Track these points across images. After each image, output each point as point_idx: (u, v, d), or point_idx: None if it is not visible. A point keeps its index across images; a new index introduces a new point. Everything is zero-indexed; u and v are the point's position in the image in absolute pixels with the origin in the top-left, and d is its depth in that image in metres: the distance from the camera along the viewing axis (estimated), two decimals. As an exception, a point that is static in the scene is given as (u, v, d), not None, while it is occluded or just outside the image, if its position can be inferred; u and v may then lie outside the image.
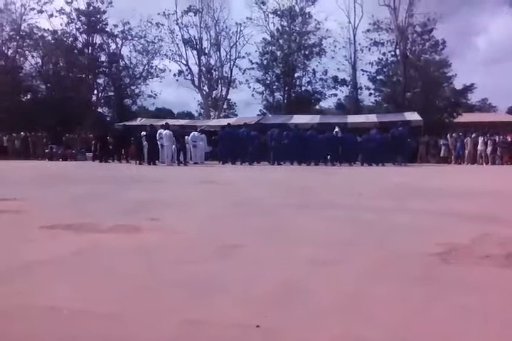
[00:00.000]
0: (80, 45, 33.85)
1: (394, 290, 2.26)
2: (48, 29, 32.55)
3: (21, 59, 32.80)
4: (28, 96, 32.76)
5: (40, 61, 32.99)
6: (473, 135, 21.09)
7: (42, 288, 2.27)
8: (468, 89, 32.98)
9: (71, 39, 33.49)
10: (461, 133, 21.94)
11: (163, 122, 21.67)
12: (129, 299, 2.12)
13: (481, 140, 20.47)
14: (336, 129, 19.21)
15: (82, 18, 33.23)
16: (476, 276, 2.50)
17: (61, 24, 33.01)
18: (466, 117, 29.94)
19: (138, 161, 18.23)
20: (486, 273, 2.56)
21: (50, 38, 32.73)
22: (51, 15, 32.49)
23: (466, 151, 20.84)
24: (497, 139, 20.25)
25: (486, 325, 1.84)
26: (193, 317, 1.89)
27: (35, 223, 3.91)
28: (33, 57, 32.76)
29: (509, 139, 20.24)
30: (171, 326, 1.81)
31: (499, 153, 20.17)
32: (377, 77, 32.84)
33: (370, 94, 33.74)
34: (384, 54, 32.20)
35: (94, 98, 34.73)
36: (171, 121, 24.39)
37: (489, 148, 20.14)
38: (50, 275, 2.50)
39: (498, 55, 61.82)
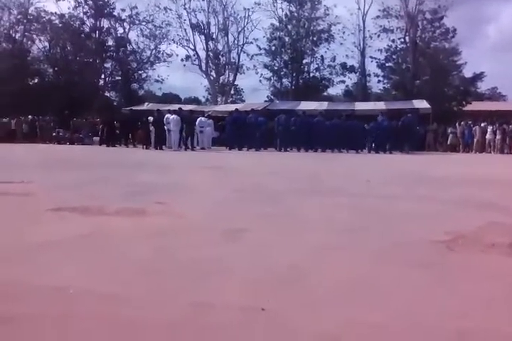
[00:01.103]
0: (87, 29, 33.71)
1: (399, 277, 2.26)
2: (56, 13, 32.46)
3: (29, 43, 32.81)
4: (36, 80, 32.82)
5: (48, 45, 32.96)
6: (483, 124, 20.93)
7: (49, 268, 2.29)
8: (478, 77, 32.65)
9: (78, 23, 33.33)
10: (470, 122, 21.77)
11: (170, 107, 21.64)
12: (135, 281, 2.13)
13: (490, 129, 20.32)
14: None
15: (90, 2, 33.01)
16: (481, 264, 2.50)
17: (68, 8, 32.88)
18: (475, 106, 29.66)
19: (145, 146, 18.23)
20: (491, 262, 2.55)
21: (57, 21, 32.63)
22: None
23: (475, 140, 20.70)
24: (506, 128, 20.08)
25: (490, 310, 1.84)
26: (199, 299, 1.90)
27: (43, 205, 3.93)
28: (40, 40, 32.79)
29: (518, 128, 20.07)
30: (177, 308, 1.82)
31: (508, 142, 20.03)
32: (386, 64, 32.50)
33: (379, 81, 33.44)
34: (393, 41, 31.86)
35: (101, 82, 34.69)
36: (178, 106, 24.34)
37: (498, 137, 19.99)
38: (58, 256, 2.52)
39: (509, 44, 60.95)
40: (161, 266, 2.37)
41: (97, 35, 33.83)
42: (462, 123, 21.65)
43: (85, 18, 33.48)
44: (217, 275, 2.21)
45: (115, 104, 33.45)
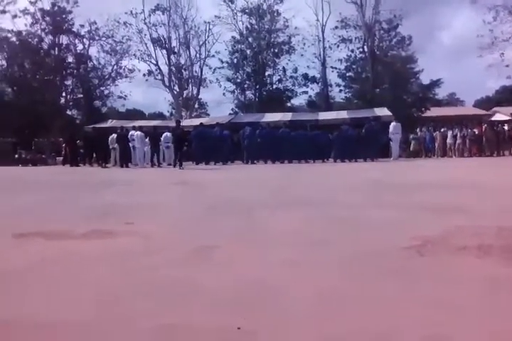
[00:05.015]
0: (46, 46, 33.15)
1: (370, 286, 2.27)
2: (12, 30, 31.81)
3: (-16, 62, 32.02)
4: (-7, 100, 32.01)
5: (5, 63, 32.26)
6: (443, 129, 21.51)
7: (12, 298, 2.21)
8: (436, 83, 33.60)
9: (36, 40, 32.72)
10: (430, 127, 22.34)
11: (134, 123, 21.44)
12: (102, 306, 2.07)
13: (450, 133, 20.89)
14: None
15: (47, 19, 32.48)
16: (453, 268, 2.55)
17: (25, 25, 32.29)
18: (434, 111, 30.51)
19: (104, 163, 17.82)
20: (463, 264, 2.60)
21: (14, 39, 31.99)
22: (15, 16, 31.74)
23: (436, 145, 21.25)
24: (465, 132, 20.70)
25: (461, 316, 1.86)
26: (169, 321, 1.86)
27: (7, 231, 3.80)
28: (-4, 59, 32.04)
29: (476, 132, 20.69)
30: (146, 331, 1.78)
31: (468, 146, 20.62)
32: (347, 74, 33.21)
33: (341, 91, 34.15)
34: (352, 51, 32.65)
35: (62, 100, 34.05)
36: (143, 122, 24.13)
37: (458, 141, 20.57)
38: (21, 284, 2.44)
39: (463, 50, 63.35)
40: (130, 289, 2.31)
41: (57, 52, 33.29)
42: (423, 129, 22.21)
43: (43, 35, 32.93)
44: (188, 296, 2.18)
45: (78, 122, 32.92)
